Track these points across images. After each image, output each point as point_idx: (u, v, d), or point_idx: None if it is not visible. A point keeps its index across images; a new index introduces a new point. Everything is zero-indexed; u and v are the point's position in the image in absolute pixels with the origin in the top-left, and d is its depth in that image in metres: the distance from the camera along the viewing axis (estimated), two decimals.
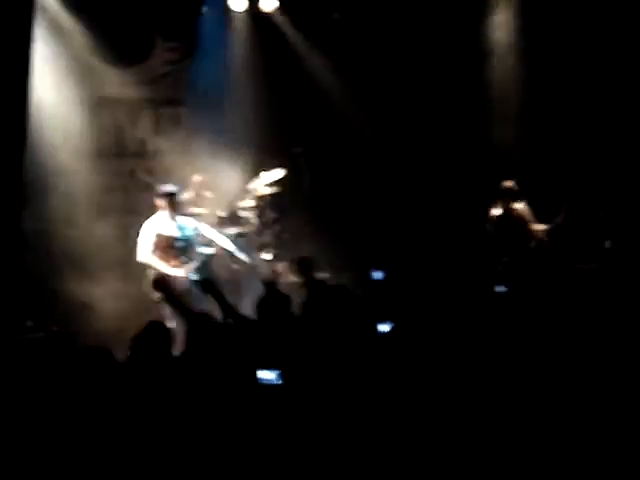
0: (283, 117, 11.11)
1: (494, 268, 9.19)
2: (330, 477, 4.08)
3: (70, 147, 9.97)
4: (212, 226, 9.41)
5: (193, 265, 8.36)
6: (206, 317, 5.04)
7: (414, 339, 4.93)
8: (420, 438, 4.22)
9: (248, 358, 4.66)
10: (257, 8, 11.00)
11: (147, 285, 8.28)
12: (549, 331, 4.88)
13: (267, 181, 10.26)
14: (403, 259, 9.92)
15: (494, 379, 4.49)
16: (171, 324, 7.82)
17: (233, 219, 10.08)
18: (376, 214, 11.03)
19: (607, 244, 9.19)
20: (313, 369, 4.74)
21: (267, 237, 10.36)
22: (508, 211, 9.55)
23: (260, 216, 10.31)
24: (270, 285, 7.57)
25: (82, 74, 10.14)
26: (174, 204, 8.30)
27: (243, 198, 10.28)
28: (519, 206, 9.58)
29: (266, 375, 4.77)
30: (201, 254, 8.49)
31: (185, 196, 9.21)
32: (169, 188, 8.38)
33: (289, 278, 9.92)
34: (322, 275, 8.44)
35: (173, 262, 8.27)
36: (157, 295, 8.15)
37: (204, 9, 10.70)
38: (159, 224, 8.27)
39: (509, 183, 9.59)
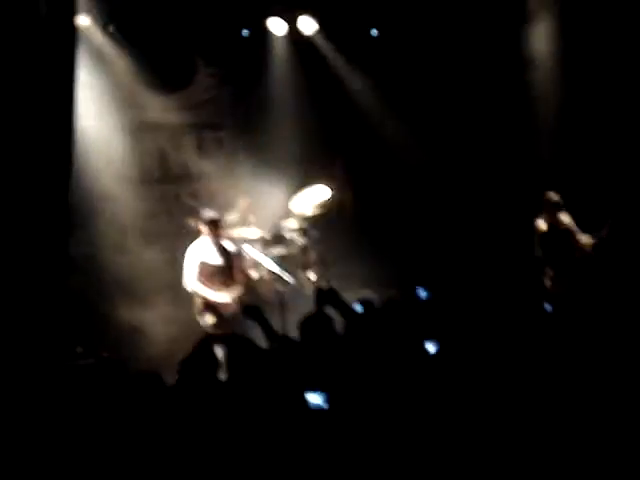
0: (325, 137, 11.16)
1: (542, 284, 9.10)
2: None
3: (114, 172, 10.11)
4: (256, 247, 9.45)
5: (239, 289, 8.39)
6: (248, 342, 5.05)
7: (461, 359, 4.91)
8: (468, 459, 4.20)
9: (294, 382, 4.66)
10: (296, 31, 11.07)
11: (196, 311, 8.34)
12: (598, 348, 4.83)
13: (311, 201, 10.29)
14: (449, 276, 9.87)
15: (543, 399, 4.45)
16: (218, 349, 7.86)
17: (277, 240, 10.12)
18: (421, 231, 11.00)
19: None
20: (360, 392, 4.73)
21: (311, 257, 10.38)
22: (554, 224, 9.47)
23: (304, 236, 10.34)
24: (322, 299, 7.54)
25: (125, 100, 10.28)
26: (217, 230, 8.34)
27: (287, 219, 10.33)
28: (564, 218, 9.50)
29: (313, 399, 4.77)
30: (245, 275, 8.53)
31: (230, 218, 9.27)
32: (211, 214, 8.41)
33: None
34: (368, 294, 8.41)
35: (218, 287, 8.30)
36: (206, 321, 8.20)
37: (245, 34, 10.78)
38: (202, 250, 8.31)
39: (553, 195, 9.51)
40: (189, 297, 8.54)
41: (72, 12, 8.24)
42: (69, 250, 8.61)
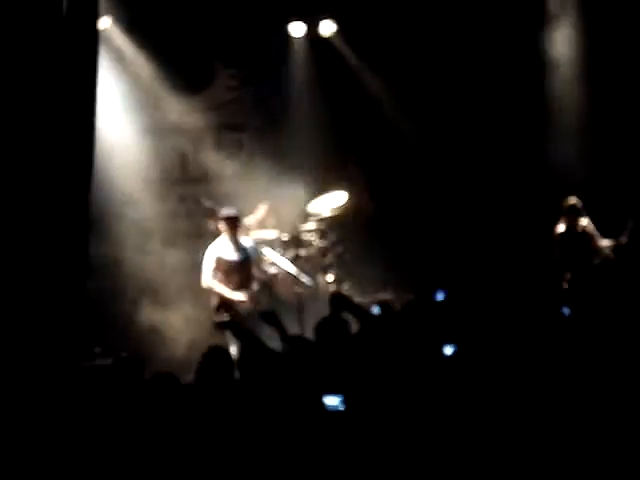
0: (344, 140, 11.16)
1: (560, 287, 9.07)
2: None
3: (135, 174, 10.17)
4: (275, 249, 9.47)
5: (255, 288, 8.41)
6: (259, 343, 5.06)
7: (478, 362, 4.90)
8: (487, 462, 4.19)
9: (310, 384, 4.67)
10: (316, 33, 11.09)
11: (212, 309, 8.37)
12: (616, 353, 4.80)
13: (329, 204, 10.31)
14: (467, 279, 9.85)
15: (560, 403, 4.44)
16: (234, 348, 7.89)
17: (295, 242, 10.14)
18: (438, 233, 10.97)
19: None
20: (376, 394, 4.73)
21: (329, 259, 10.39)
22: (572, 228, 9.44)
23: (322, 238, 10.36)
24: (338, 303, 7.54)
25: (146, 102, 10.36)
26: (235, 227, 8.37)
27: (305, 221, 10.34)
28: (583, 222, 9.46)
29: (330, 401, 4.78)
30: (262, 275, 8.55)
31: (249, 221, 9.30)
32: (230, 211, 8.45)
33: (353, 299, 9.94)
34: (385, 296, 8.42)
35: (235, 285, 8.33)
36: (220, 320, 8.22)
37: (264, 35, 10.81)
38: (220, 248, 8.35)
39: (572, 199, 9.48)
40: (209, 297, 8.58)
41: (94, 14, 8.31)
42: (89, 251, 8.67)
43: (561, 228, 9.49)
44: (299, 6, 10.82)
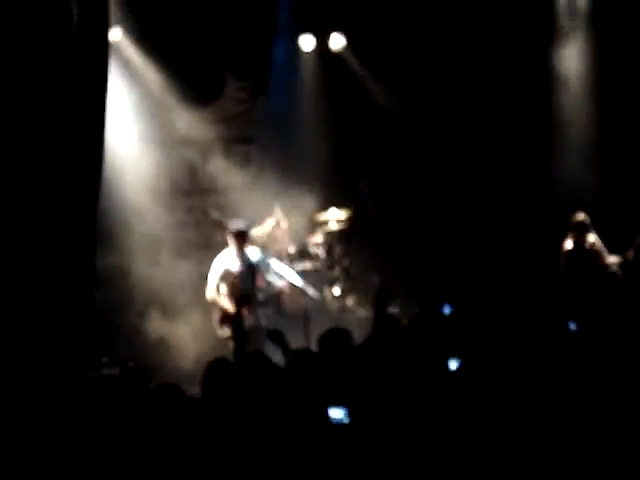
0: (352, 153, 11.18)
1: (567, 303, 9.07)
2: None
3: (143, 185, 10.19)
4: (282, 261, 9.48)
5: (261, 300, 8.40)
6: (262, 357, 5.06)
7: (484, 376, 4.90)
8: (491, 476, 4.19)
9: (314, 397, 4.66)
10: (326, 47, 11.12)
11: (214, 322, 8.35)
12: (623, 368, 4.80)
13: (336, 217, 10.33)
14: (473, 293, 9.85)
15: (566, 418, 4.43)
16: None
17: (302, 254, 10.15)
18: (446, 247, 10.97)
19: None
20: (381, 406, 4.73)
21: (336, 272, 10.40)
22: (580, 244, 9.44)
23: (329, 251, 10.37)
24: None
25: (155, 113, 10.39)
26: (243, 241, 8.37)
27: (312, 234, 10.36)
28: (591, 239, 9.46)
29: (335, 414, 4.78)
30: (269, 288, 8.54)
31: (256, 234, 9.31)
32: (239, 226, 8.46)
33: (359, 313, 9.95)
34: (392, 309, 8.41)
35: (240, 298, 8.31)
36: (224, 332, 8.22)
37: (274, 49, 10.86)
38: (227, 260, 8.35)
39: (580, 216, 9.48)
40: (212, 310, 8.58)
41: (105, 25, 8.35)
42: (97, 261, 8.69)
43: (569, 244, 9.49)
44: (309, 20, 10.86)
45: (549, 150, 10.98)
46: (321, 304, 9.89)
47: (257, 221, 9.88)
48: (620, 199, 10.35)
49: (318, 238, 10.32)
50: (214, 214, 9.91)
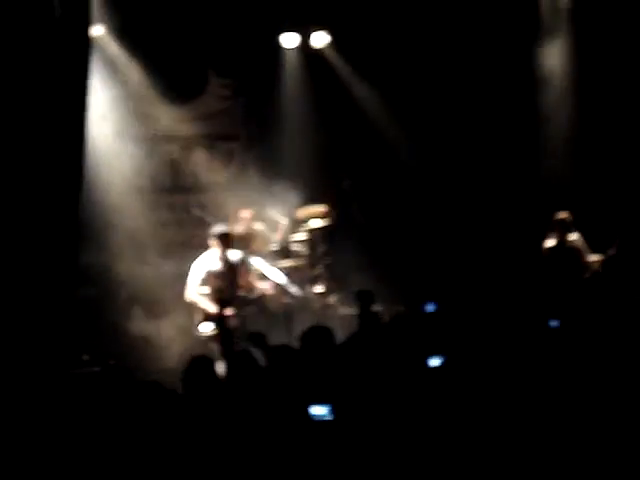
0: (334, 151, 11.18)
1: (548, 301, 9.10)
2: None
3: (126, 183, 10.15)
4: (264, 260, 9.46)
5: (243, 301, 8.38)
6: (247, 356, 5.06)
7: (466, 373, 4.90)
8: (471, 473, 4.19)
9: (296, 394, 4.66)
10: (308, 44, 11.11)
11: (196, 323, 8.32)
12: (605, 365, 4.82)
13: (319, 214, 10.32)
14: (456, 291, 9.86)
15: (548, 415, 4.44)
16: (219, 362, 7.86)
17: (285, 252, 10.13)
18: (429, 245, 10.98)
19: None
20: (363, 403, 4.73)
21: (318, 270, 10.39)
22: (562, 242, 9.47)
23: (311, 249, 10.36)
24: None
25: (137, 110, 10.35)
26: (227, 244, 8.35)
27: (295, 232, 10.34)
28: (573, 237, 9.49)
29: (317, 411, 4.77)
30: (251, 289, 8.52)
31: (236, 231, 9.29)
32: (222, 228, 8.42)
33: (341, 311, 9.94)
34: (375, 308, 8.42)
35: (222, 300, 8.28)
36: (205, 332, 8.20)
37: (257, 45, 10.83)
38: (209, 262, 8.32)
39: (563, 214, 9.51)
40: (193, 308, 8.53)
41: (86, 21, 8.31)
42: (79, 259, 8.66)
43: (551, 242, 9.52)
44: (292, 17, 10.84)
45: (532, 148, 11.00)
46: (303, 302, 9.88)
47: (236, 218, 9.87)
48: (602, 197, 10.38)
49: (301, 236, 10.31)
50: (197, 212, 9.88)
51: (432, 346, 5.52)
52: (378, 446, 4.35)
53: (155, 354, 9.32)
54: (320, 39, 11.12)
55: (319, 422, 4.68)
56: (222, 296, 8.27)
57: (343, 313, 9.82)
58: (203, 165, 10.69)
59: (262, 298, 9.05)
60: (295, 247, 10.27)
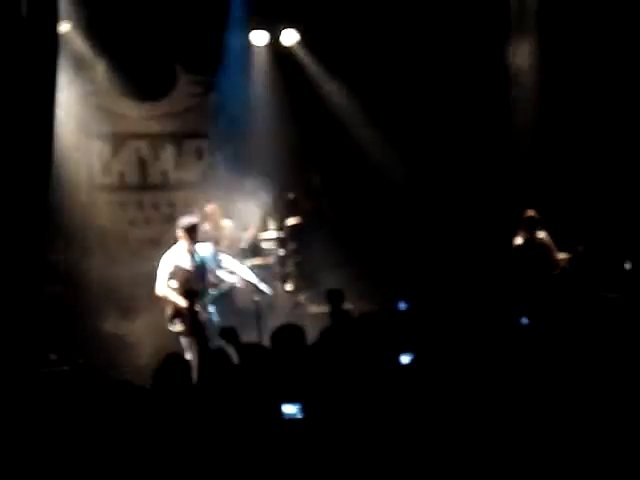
0: (305, 148, 11.17)
1: (518, 298, 9.15)
2: None
3: (94, 180, 10.08)
4: (234, 257, 9.42)
5: (211, 297, 8.34)
6: (221, 353, 5.04)
7: (436, 370, 4.92)
8: (442, 470, 4.20)
9: (267, 392, 4.64)
10: (278, 42, 11.09)
11: (167, 317, 8.27)
12: (574, 362, 4.85)
13: (288, 212, 10.31)
14: (427, 289, 9.89)
15: (517, 411, 4.46)
16: (189, 356, 7.83)
17: (255, 250, 10.11)
18: (399, 243, 10.99)
19: (627, 266, 9.12)
20: (334, 401, 4.73)
21: (289, 268, 10.38)
22: (530, 240, 9.52)
23: (282, 247, 10.34)
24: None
25: (104, 107, 10.27)
26: (194, 236, 8.31)
27: (265, 229, 10.32)
28: (541, 235, 9.55)
29: (288, 409, 4.76)
30: (220, 285, 8.47)
31: (205, 227, 9.25)
32: (189, 220, 8.39)
33: (312, 309, 9.94)
34: (345, 306, 8.42)
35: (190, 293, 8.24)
36: (176, 327, 8.15)
37: (227, 43, 10.79)
38: (177, 256, 8.28)
39: (531, 212, 9.57)
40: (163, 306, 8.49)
41: (54, 18, 8.23)
42: (47, 257, 8.58)
43: (519, 240, 9.57)
44: (262, 13, 10.82)
45: (500, 146, 11.04)
46: (273, 300, 9.86)
47: (204, 215, 9.85)
48: (570, 195, 10.45)
49: (271, 234, 10.29)
50: (166, 210, 9.83)
51: (403, 343, 5.53)
52: (349, 444, 4.35)
53: (127, 353, 9.25)
54: (290, 37, 11.10)
55: (290, 420, 4.67)
56: (191, 289, 8.21)
57: (313, 311, 9.81)
58: (172, 163, 10.64)
59: (230, 293, 9.01)
60: (265, 245, 10.25)
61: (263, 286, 8.88)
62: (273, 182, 10.70)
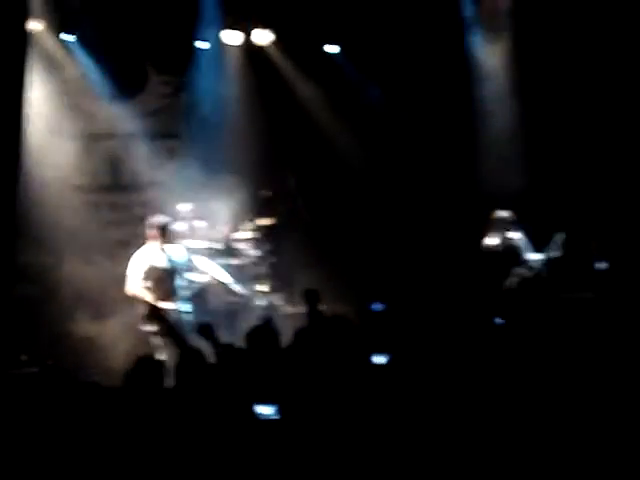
0: (279, 148, 11.13)
1: (492, 299, 9.16)
2: None
3: (65, 181, 10.00)
4: (208, 258, 9.37)
5: (185, 296, 8.28)
6: (198, 354, 5.00)
7: (411, 371, 4.91)
8: (415, 469, 4.19)
9: (242, 393, 4.61)
10: (251, 41, 11.05)
11: (139, 317, 8.20)
12: (547, 361, 4.85)
13: (262, 213, 10.27)
14: (402, 290, 9.88)
15: (493, 411, 4.45)
16: (161, 356, 7.76)
17: (229, 251, 10.06)
18: (373, 245, 10.98)
19: (602, 266, 9.16)
20: (309, 402, 4.70)
21: (263, 268, 10.34)
22: (503, 240, 9.54)
23: (256, 247, 10.30)
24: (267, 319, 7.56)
25: (75, 107, 10.20)
26: (166, 235, 8.24)
27: (239, 230, 10.27)
28: (514, 235, 9.56)
29: (264, 410, 4.73)
30: (193, 285, 8.43)
31: (178, 227, 9.20)
32: (161, 219, 8.33)
33: (286, 309, 9.90)
34: (321, 307, 8.40)
35: (163, 294, 8.18)
36: (148, 328, 8.08)
37: (198, 43, 10.74)
38: (150, 255, 8.21)
39: (503, 212, 9.58)
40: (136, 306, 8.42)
41: (23, 16, 8.16)
42: (17, 258, 8.49)
43: (492, 241, 9.58)
44: (234, 13, 10.77)
45: (473, 147, 11.06)
46: (247, 301, 9.82)
47: (179, 217, 9.79)
48: (544, 196, 10.48)
49: (245, 234, 10.24)
50: (139, 211, 9.76)
51: (378, 344, 5.51)
52: (324, 445, 4.33)
53: (98, 354, 9.17)
54: (263, 37, 11.05)
55: (266, 421, 4.64)
56: (162, 290, 8.15)
57: (288, 312, 9.78)
58: (144, 163, 10.57)
59: (203, 294, 8.95)
60: (239, 245, 10.20)
61: (237, 287, 8.85)
62: (246, 182, 10.66)
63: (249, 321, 7.84)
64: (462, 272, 10.01)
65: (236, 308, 8.86)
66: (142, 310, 8.16)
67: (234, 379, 4.90)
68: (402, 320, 6.21)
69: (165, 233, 8.23)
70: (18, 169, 8.09)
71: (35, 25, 9.41)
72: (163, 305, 8.10)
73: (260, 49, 11.12)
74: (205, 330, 5.50)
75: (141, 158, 10.58)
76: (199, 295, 8.63)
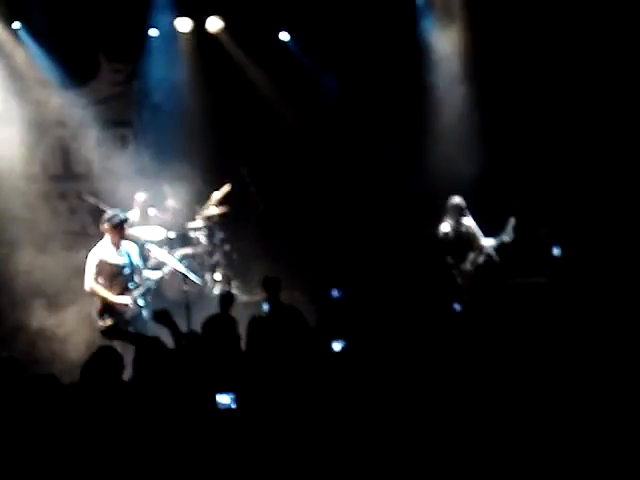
0: (231, 136, 11.07)
1: (450, 284, 9.22)
2: None
3: (15, 169, 9.87)
4: (161, 247, 9.31)
5: (140, 291, 8.22)
6: (156, 342, 4.97)
7: (368, 357, 4.93)
8: (373, 456, 4.21)
9: (201, 382, 4.61)
10: (202, 29, 10.96)
11: (95, 313, 8.13)
12: (505, 346, 4.90)
13: (216, 201, 10.22)
14: (359, 277, 9.90)
15: (450, 396, 4.49)
16: (120, 349, 7.70)
17: (183, 240, 10.01)
18: (330, 233, 10.98)
19: (556, 252, 9.26)
20: (266, 390, 4.71)
21: (217, 257, 10.30)
22: (456, 227, 9.59)
23: (210, 236, 10.25)
24: (225, 304, 7.53)
25: (25, 94, 10.06)
26: (122, 231, 8.17)
27: (192, 219, 10.22)
28: (466, 222, 9.62)
29: (222, 399, 4.73)
30: (148, 279, 8.37)
31: (131, 216, 9.12)
32: (117, 216, 8.24)
33: (241, 298, 9.88)
34: (279, 295, 8.37)
35: (119, 289, 8.12)
36: (106, 322, 8.02)
37: (150, 30, 10.64)
38: (104, 251, 8.13)
39: (456, 199, 9.63)
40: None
41: None
42: None
43: (445, 227, 9.63)
44: (186, 1, 10.68)
45: (424, 133, 11.10)
46: (202, 290, 9.78)
47: (130, 205, 9.71)
48: (495, 182, 10.56)
49: (198, 223, 10.19)
50: (90, 199, 9.65)
51: (336, 331, 5.53)
52: (282, 433, 4.34)
53: (55, 346, 9.08)
54: (214, 24, 10.97)
55: (224, 411, 4.64)
56: (118, 285, 8.09)
57: (243, 300, 9.76)
58: (96, 151, 10.46)
59: (159, 285, 8.90)
60: (193, 234, 10.15)
61: (192, 276, 8.80)
62: (199, 170, 10.60)
63: (205, 311, 7.79)
64: (416, 258, 10.06)
65: (191, 298, 8.80)
66: (99, 306, 8.08)
67: (193, 365, 4.88)
68: (361, 306, 6.23)
69: (121, 230, 8.15)
70: None
71: None
72: (118, 300, 8.04)
73: (212, 36, 11.04)
74: (162, 316, 5.46)
75: (92, 146, 10.47)
76: (154, 287, 8.56)
